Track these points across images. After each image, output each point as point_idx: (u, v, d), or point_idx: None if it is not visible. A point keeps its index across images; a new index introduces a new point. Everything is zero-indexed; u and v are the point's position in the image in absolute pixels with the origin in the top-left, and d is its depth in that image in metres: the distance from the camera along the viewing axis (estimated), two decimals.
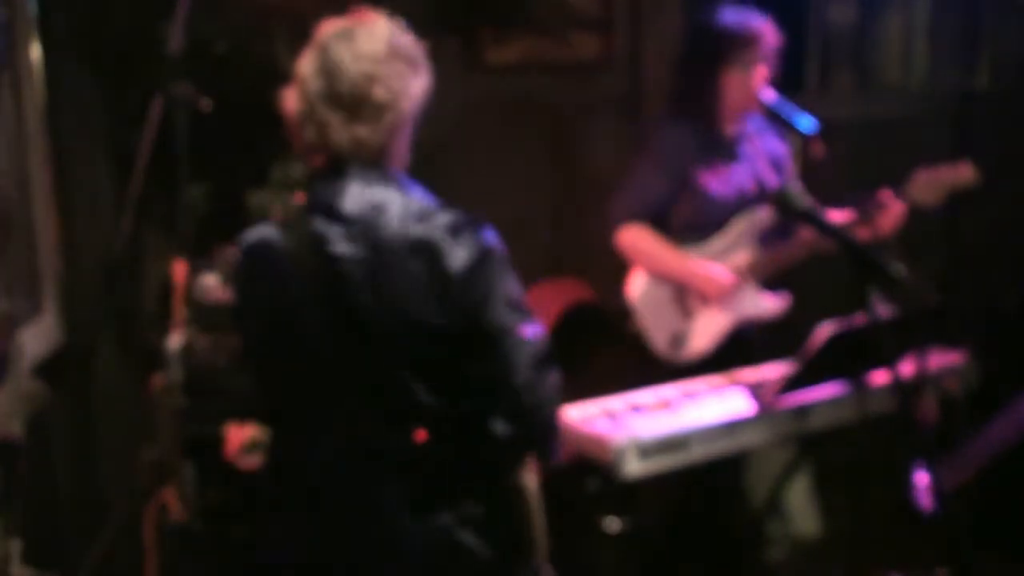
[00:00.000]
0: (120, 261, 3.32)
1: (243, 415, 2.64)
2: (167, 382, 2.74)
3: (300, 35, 1.83)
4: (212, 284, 2.89)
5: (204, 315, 2.79)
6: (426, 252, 1.88)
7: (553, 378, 1.94)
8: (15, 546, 2.23)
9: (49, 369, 2.81)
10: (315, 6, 3.42)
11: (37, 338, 2.82)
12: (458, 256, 1.88)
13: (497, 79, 4.04)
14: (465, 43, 3.98)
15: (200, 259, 3.02)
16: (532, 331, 1.92)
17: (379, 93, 1.91)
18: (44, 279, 2.98)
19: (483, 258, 1.89)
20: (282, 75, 3.37)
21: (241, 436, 2.61)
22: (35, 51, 2.96)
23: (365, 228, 1.90)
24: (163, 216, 3.73)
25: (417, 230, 1.88)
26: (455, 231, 1.89)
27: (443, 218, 1.91)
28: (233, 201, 3.56)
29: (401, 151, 2.01)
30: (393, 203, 1.92)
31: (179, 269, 3.08)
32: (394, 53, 1.94)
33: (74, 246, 3.24)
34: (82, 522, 3.18)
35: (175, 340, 2.72)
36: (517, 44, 4.07)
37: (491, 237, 1.93)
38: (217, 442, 2.62)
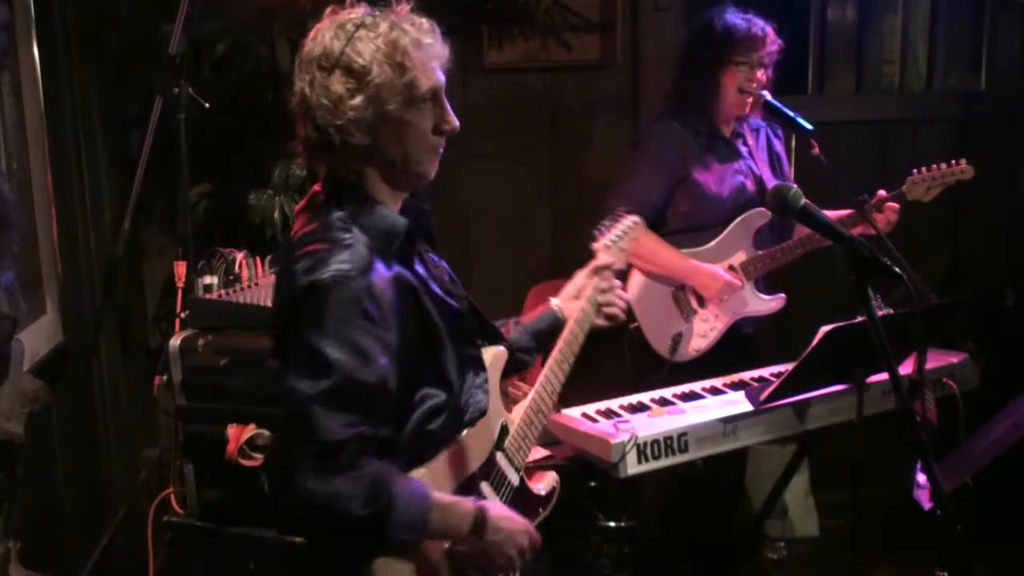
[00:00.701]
0: (120, 261, 3.31)
1: (243, 415, 2.64)
2: (167, 382, 2.74)
3: (300, 35, 1.81)
4: (212, 284, 2.89)
5: (204, 315, 2.78)
6: (285, 278, 1.75)
7: (311, 453, 1.61)
8: (15, 547, 2.23)
9: (49, 369, 2.80)
10: (315, 6, 3.45)
11: (37, 338, 2.82)
12: (288, 289, 1.71)
13: (497, 79, 4.04)
14: (465, 43, 3.98)
15: (200, 259, 3.01)
16: (313, 390, 1.61)
17: (299, 108, 1.72)
18: (44, 279, 2.97)
19: (304, 294, 1.66)
20: (282, 75, 3.40)
21: (241, 436, 2.61)
22: (35, 51, 2.95)
23: (292, 245, 1.79)
24: (163, 216, 3.74)
25: (292, 254, 1.74)
26: (298, 264, 1.70)
27: (309, 246, 1.71)
28: (233, 202, 3.56)
29: (368, 170, 1.78)
30: (315, 222, 1.76)
31: (179, 269, 3.09)
32: (326, 62, 1.68)
33: (74, 246, 3.24)
34: (82, 522, 3.18)
35: (175, 340, 2.72)
36: (517, 44, 4.07)
37: (336, 276, 1.66)
38: (217, 442, 2.62)
